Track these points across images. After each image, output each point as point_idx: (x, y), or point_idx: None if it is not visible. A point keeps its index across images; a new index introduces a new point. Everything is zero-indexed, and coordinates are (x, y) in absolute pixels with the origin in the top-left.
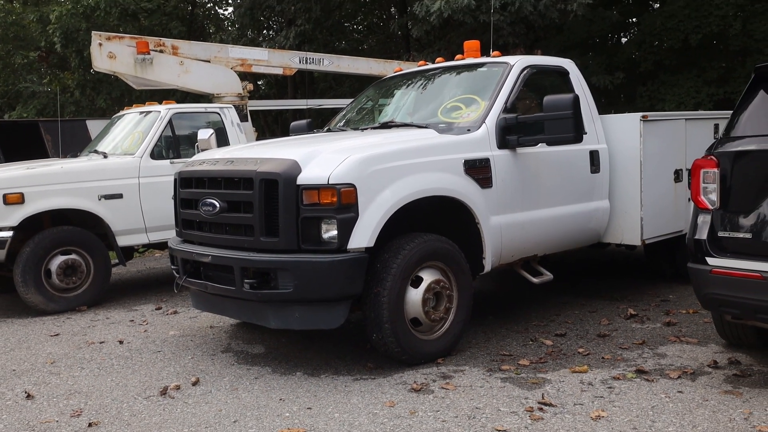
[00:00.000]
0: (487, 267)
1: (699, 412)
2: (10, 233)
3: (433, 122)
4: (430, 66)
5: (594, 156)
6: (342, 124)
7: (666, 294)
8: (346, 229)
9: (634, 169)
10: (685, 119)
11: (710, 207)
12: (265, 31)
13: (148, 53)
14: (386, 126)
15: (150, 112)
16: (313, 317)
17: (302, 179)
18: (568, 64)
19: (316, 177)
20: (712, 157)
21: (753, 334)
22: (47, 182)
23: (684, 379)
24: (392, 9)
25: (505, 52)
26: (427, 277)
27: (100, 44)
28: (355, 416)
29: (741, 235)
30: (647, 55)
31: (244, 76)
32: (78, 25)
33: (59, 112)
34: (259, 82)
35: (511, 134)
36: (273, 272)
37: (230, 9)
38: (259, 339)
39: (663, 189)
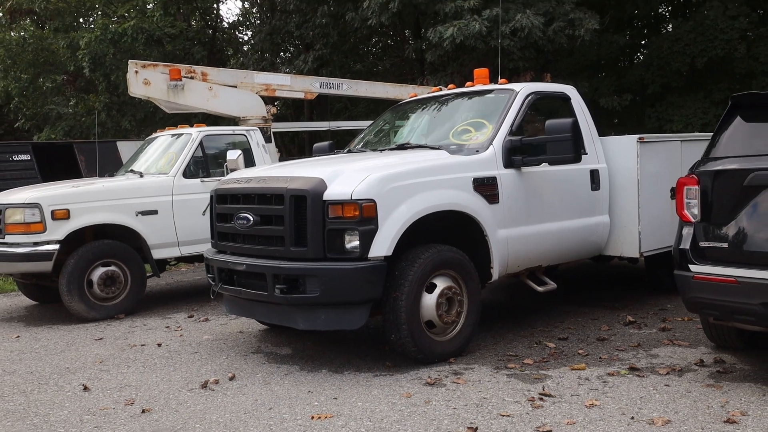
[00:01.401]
0: (495, 276)
1: (682, 401)
2: (57, 246)
3: (445, 144)
4: (443, 92)
5: (594, 175)
6: (361, 145)
7: (664, 304)
8: (367, 240)
9: (631, 187)
10: (681, 141)
11: (692, 220)
12: (282, 54)
13: (180, 80)
14: (402, 147)
15: (182, 134)
16: (337, 319)
17: (328, 195)
18: (569, 90)
19: (341, 193)
20: (694, 175)
21: (737, 336)
22: (90, 199)
23: (672, 375)
24: (407, 32)
25: (515, 75)
26: (440, 283)
27: (137, 72)
28: (376, 404)
29: (719, 245)
30: (655, 78)
31: (267, 99)
32: (106, 50)
33: (97, 134)
34: (275, 103)
35: (516, 155)
36: (302, 278)
37: (249, 33)
38: (286, 342)
39: (660, 205)
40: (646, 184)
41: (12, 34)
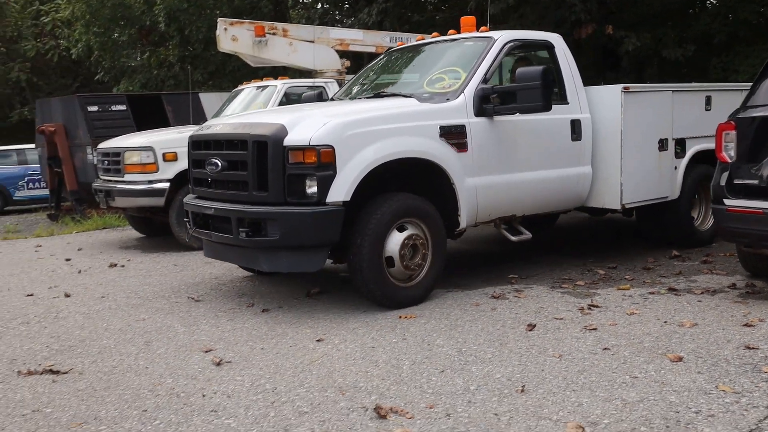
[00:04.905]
0: (463, 224)
1: (709, 312)
2: (167, 184)
3: (417, 92)
4: (424, 41)
5: (576, 125)
6: (342, 94)
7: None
8: (324, 185)
9: (614, 138)
10: (672, 91)
11: (729, 161)
12: (341, 5)
13: (264, 36)
14: (378, 96)
15: (267, 86)
16: (297, 261)
17: (288, 141)
18: (554, 38)
19: (300, 139)
20: (732, 121)
21: None
22: None
23: (705, 294)
24: None
25: (577, 27)
26: (404, 231)
27: (225, 29)
28: (451, 310)
29: (750, 182)
30: (722, 27)
31: (340, 53)
32: (180, 5)
33: (190, 85)
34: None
35: (488, 103)
36: (263, 222)
37: None
38: None
39: (645, 157)
40: (631, 135)
41: None
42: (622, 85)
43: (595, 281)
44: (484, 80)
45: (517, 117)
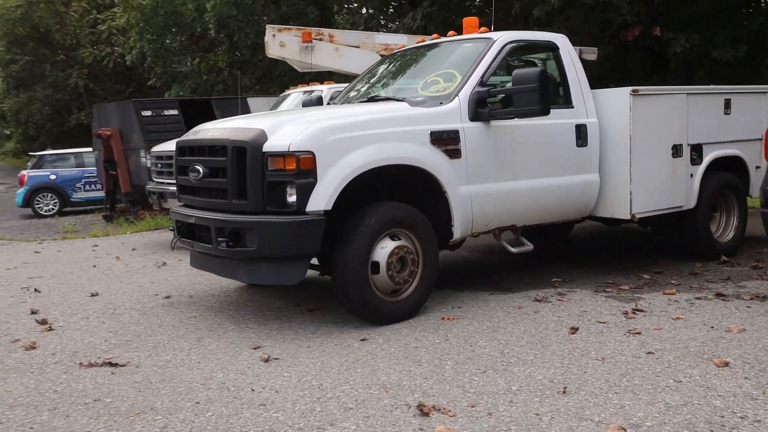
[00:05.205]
0: (457, 234)
1: (759, 318)
2: None
3: (410, 96)
4: (424, 43)
5: (581, 130)
6: (339, 99)
7: (761, 248)
8: (304, 193)
9: (623, 144)
10: (687, 94)
11: None
12: (384, 9)
13: (311, 42)
14: (372, 100)
15: (313, 91)
16: (276, 273)
17: (267, 147)
18: (559, 39)
19: (279, 145)
20: None
21: None
22: None
23: (755, 300)
24: None
25: (624, 30)
26: (392, 243)
27: (274, 35)
28: (494, 312)
29: None
30: None
31: None
32: (229, 12)
33: (240, 90)
34: None
35: (484, 107)
36: (242, 231)
37: None
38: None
39: (657, 164)
40: (641, 141)
41: None
42: (630, 88)
43: (640, 286)
44: (481, 83)
45: (516, 122)
